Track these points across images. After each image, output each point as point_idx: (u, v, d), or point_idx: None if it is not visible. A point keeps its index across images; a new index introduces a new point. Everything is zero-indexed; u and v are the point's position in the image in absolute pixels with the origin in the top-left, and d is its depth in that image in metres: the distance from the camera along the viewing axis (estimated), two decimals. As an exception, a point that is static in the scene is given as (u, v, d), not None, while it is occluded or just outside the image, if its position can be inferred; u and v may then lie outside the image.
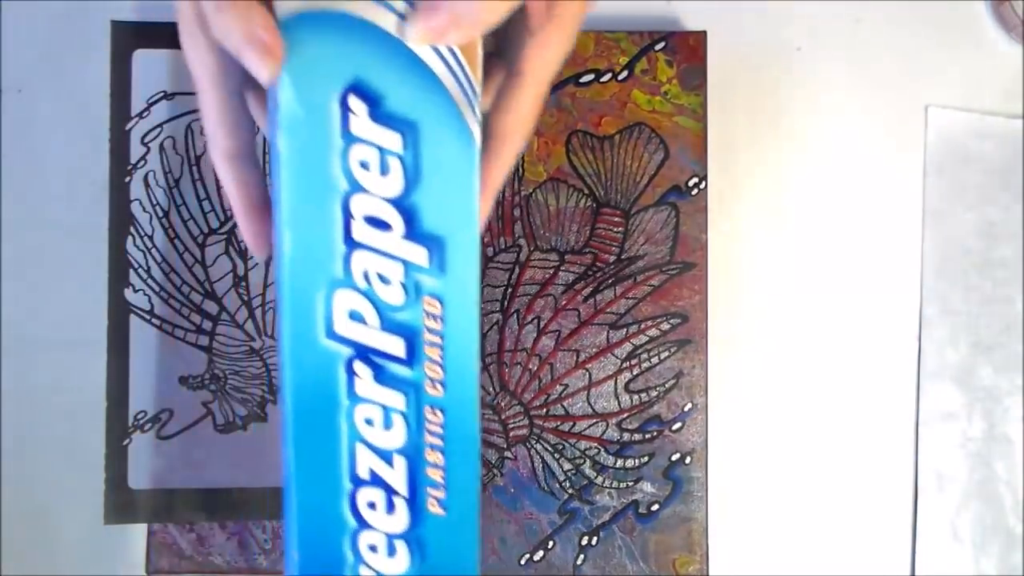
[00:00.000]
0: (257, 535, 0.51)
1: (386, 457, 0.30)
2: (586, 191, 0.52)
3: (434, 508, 0.30)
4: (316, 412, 0.29)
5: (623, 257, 0.52)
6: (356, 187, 0.29)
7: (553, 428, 0.52)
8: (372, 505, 0.30)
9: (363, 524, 0.30)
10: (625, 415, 0.52)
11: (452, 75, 0.29)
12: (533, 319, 0.52)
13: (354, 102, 0.28)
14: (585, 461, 0.52)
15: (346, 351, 0.29)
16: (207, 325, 0.52)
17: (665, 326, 0.52)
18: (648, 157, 0.52)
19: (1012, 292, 0.54)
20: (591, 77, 0.53)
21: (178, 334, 0.52)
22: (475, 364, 0.30)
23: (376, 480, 0.30)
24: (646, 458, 0.51)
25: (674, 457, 0.51)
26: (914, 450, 0.54)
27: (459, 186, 0.30)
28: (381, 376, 0.29)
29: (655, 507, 0.51)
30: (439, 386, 0.30)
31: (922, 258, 0.54)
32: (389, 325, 0.29)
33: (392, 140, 0.29)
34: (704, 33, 0.53)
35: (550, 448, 0.52)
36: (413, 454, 0.30)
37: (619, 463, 0.51)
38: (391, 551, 0.30)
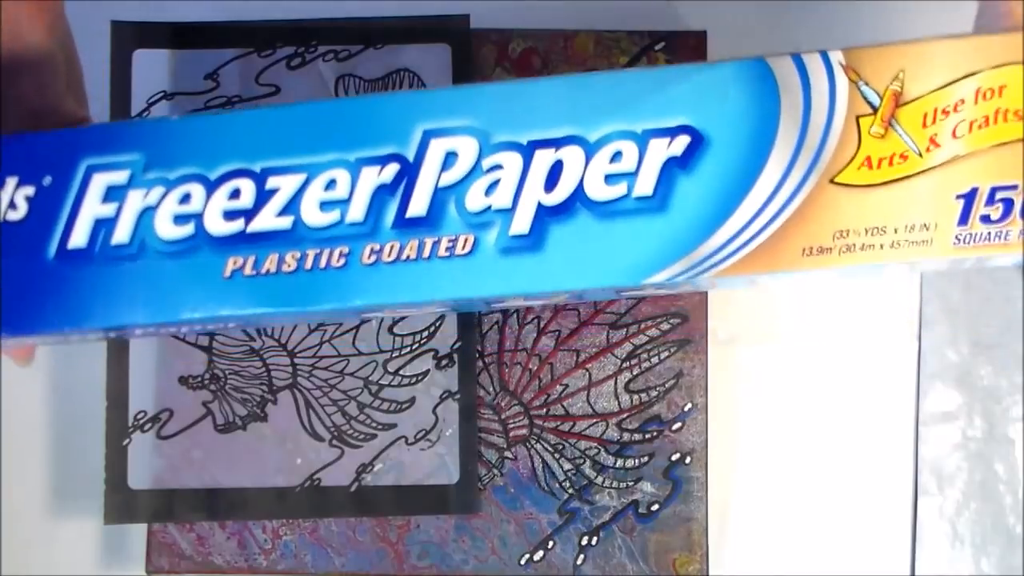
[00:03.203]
0: (257, 535, 0.51)
1: None
2: (586, 191, 0.52)
3: None
4: None
5: (623, 257, 0.52)
6: None
7: (553, 428, 0.52)
8: None
9: None
10: (625, 415, 0.52)
11: None
12: (533, 319, 0.52)
13: None
14: (585, 461, 0.52)
15: None
16: (207, 325, 0.52)
17: (665, 326, 0.52)
18: (648, 157, 0.52)
19: (1012, 292, 0.54)
20: (591, 77, 0.53)
21: (178, 334, 0.52)
22: None
23: None
24: (646, 458, 0.51)
25: (674, 457, 0.51)
26: (914, 450, 0.54)
27: None
28: None
29: (655, 507, 0.51)
30: None
31: (922, 258, 0.54)
32: None
33: None
34: (704, 33, 0.53)
35: (550, 448, 0.52)
36: None
37: (619, 463, 0.51)
38: None
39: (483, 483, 0.51)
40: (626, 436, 0.52)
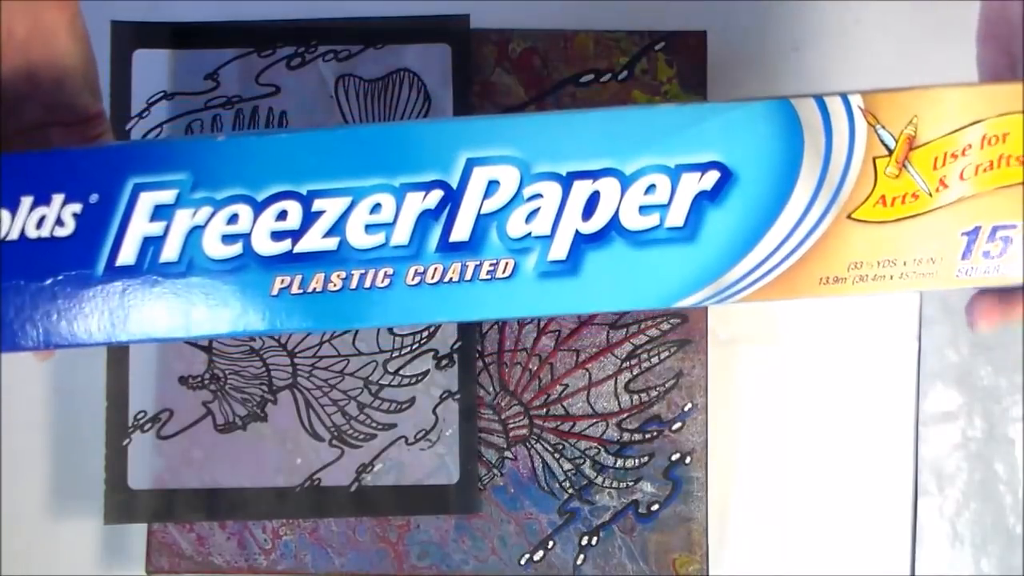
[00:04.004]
0: (257, 535, 0.51)
1: None
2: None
3: None
4: None
5: (623, 257, 0.52)
6: None
7: (553, 428, 0.52)
8: None
9: None
10: (625, 415, 0.52)
11: None
12: (533, 319, 0.52)
13: None
14: (585, 461, 0.52)
15: None
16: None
17: (665, 326, 0.52)
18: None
19: (1012, 292, 0.54)
20: (591, 77, 0.53)
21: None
22: None
23: None
24: (646, 458, 0.51)
25: (674, 457, 0.51)
26: (914, 450, 0.54)
27: None
28: None
29: (655, 507, 0.51)
30: None
31: (922, 258, 0.54)
32: None
33: None
34: (704, 33, 0.53)
35: (550, 448, 0.52)
36: None
37: (619, 463, 0.51)
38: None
39: (483, 483, 0.51)
40: (626, 436, 0.52)
